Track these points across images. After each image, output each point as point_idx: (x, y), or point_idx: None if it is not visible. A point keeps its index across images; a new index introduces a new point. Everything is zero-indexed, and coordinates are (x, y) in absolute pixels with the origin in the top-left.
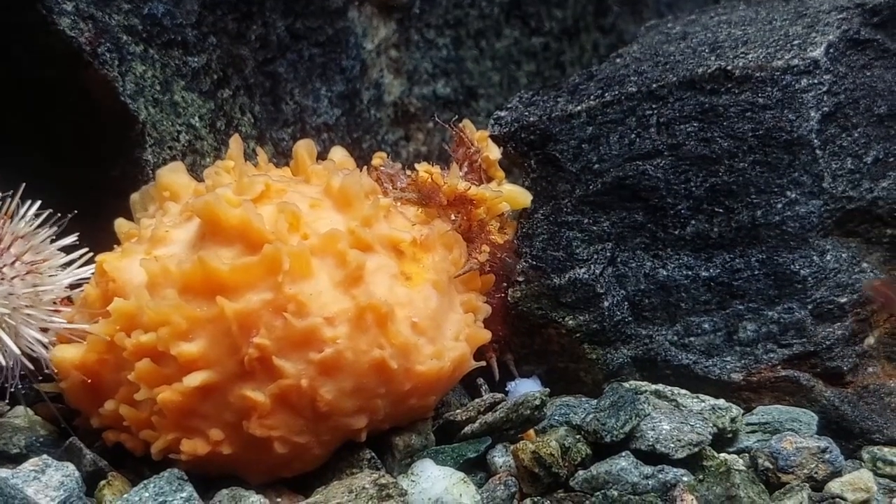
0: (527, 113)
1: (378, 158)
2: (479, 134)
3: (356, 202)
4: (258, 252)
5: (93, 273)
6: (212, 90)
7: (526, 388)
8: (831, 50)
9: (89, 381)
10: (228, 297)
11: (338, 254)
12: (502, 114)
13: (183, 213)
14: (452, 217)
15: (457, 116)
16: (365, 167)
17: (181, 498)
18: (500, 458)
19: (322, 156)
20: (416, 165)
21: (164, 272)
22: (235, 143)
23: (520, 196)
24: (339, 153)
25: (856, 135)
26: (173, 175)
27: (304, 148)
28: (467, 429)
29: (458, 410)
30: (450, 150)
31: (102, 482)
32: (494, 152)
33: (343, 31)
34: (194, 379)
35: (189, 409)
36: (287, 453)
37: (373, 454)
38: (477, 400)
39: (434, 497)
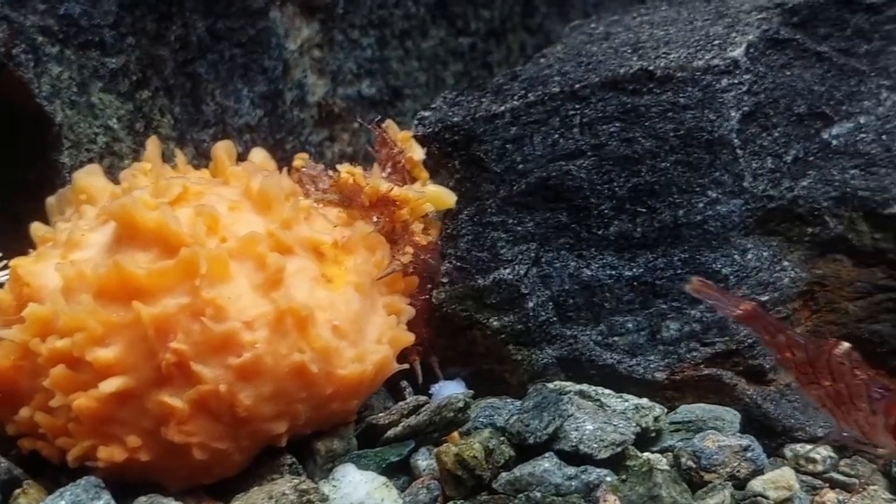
0: (451, 113)
1: (299, 160)
2: (403, 134)
3: (276, 204)
4: (175, 256)
5: (7, 278)
6: (130, 91)
7: (450, 390)
8: (751, 50)
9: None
10: (145, 302)
11: (257, 257)
12: (426, 114)
13: (99, 216)
14: (375, 219)
15: (380, 117)
16: (286, 168)
17: None
18: (424, 461)
19: (244, 157)
20: (339, 166)
21: (79, 277)
22: (153, 144)
23: (444, 197)
24: (259, 154)
25: (776, 134)
26: (90, 178)
27: (224, 149)
28: (390, 432)
29: (380, 414)
30: (373, 152)
31: (18, 490)
32: (418, 153)
33: (265, 32)
34: (110, 385)
35: (105, 415)
36: (206, 459)
37: (294, 459)
38: (400, 403)
39: (356, 502)
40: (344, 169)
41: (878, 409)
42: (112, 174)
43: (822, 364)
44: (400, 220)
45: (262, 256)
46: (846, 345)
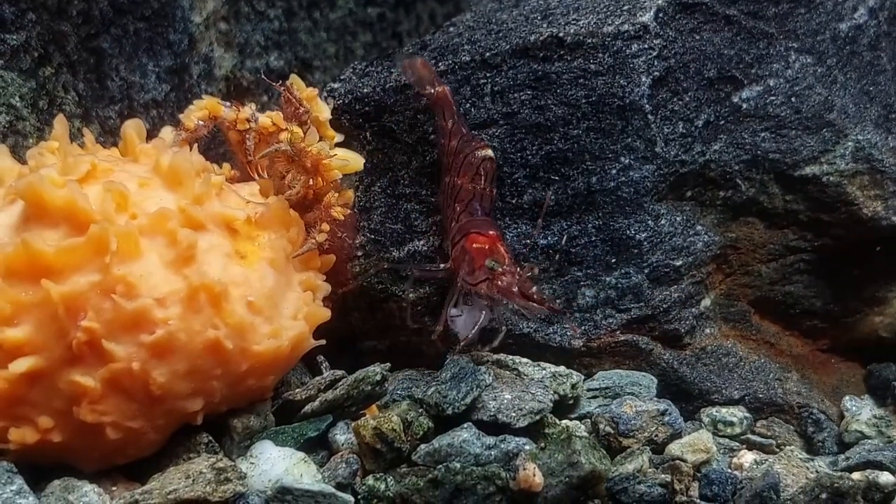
0: (360, 84)
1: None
2: (308, 92)
3: (187, 180)
4: (84, 233)
5: None
6: (32, 68)
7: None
8: (660, 14)
9: None
10: (55, 280)
11: (168, 233)
12: (336, 86)
13: (7, 196)
14: (310, 182)
15: (280, 81)
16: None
17: (11, 491)
18: (342, 435)
19: (152, 134)
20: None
21: None
22: (60, 123)
23: (352, 160)
24: (170, 133)
25: (686, 99)
26: None
27: (133, 128)
28: (307, 408)
29: (297, 389)
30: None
31: None
32: (325, 112)
33: (169, 5)
34: (20, 365)
35: (16, 396)
36: (120, 439)
37: (210, 438)
38: (317, 378)
39: (274, 478)
40: (271, 116)
41: (462, 219)
42: (16, 153)
43: (460, 160)
44: (315, 188)
45: (173, 233)
46: (487, 152)
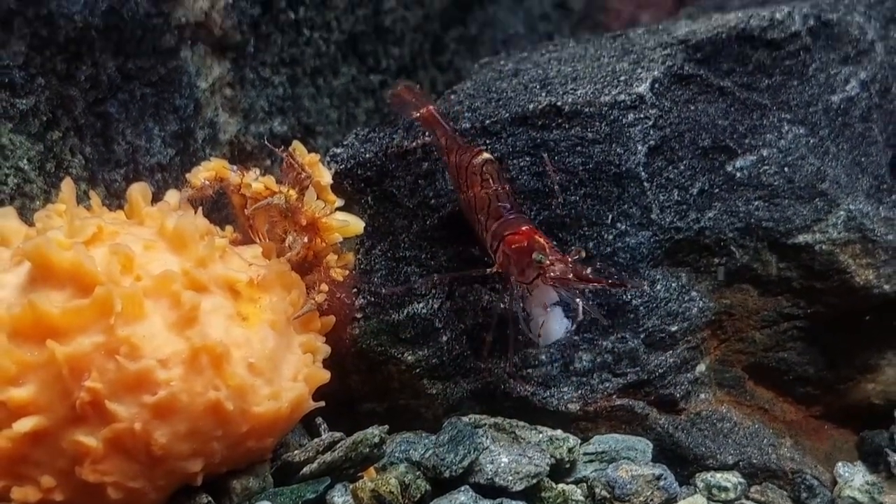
0: (363, 150)
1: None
2: (310, 158)
3: (191, 243)
4: (90, 294)
5: None
6: (41, 132)
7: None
8: (656, 85)
9: None
10: (59, 341)
11: (172, 295)
12: (338, 151)
13: (14, 257)
14: (306, 239)
15: (282, 147)
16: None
17: None
18: (340, 497)
19: (157, 197)
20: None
21: None
22: (67, 185)
23: (353, 224)
24: (174, 196)
25: (682, 167)
26: (3, 220)
27: (139, 191)
28: (306, 469)
29: (296, 451)
30: (280, 176)
31: None
32: (326, 177)
33: (176, 71)
34: (24, 424)
35: (19, 455)
36: (121, 499)
37: (209, 498)
38: (315, 440)
39: None
40: (263, 181)
41: (492, 227)
42: (23, 215)
43: (464, 174)
44: (315, 249)
45: (176, 294)
46: (485, 156)
